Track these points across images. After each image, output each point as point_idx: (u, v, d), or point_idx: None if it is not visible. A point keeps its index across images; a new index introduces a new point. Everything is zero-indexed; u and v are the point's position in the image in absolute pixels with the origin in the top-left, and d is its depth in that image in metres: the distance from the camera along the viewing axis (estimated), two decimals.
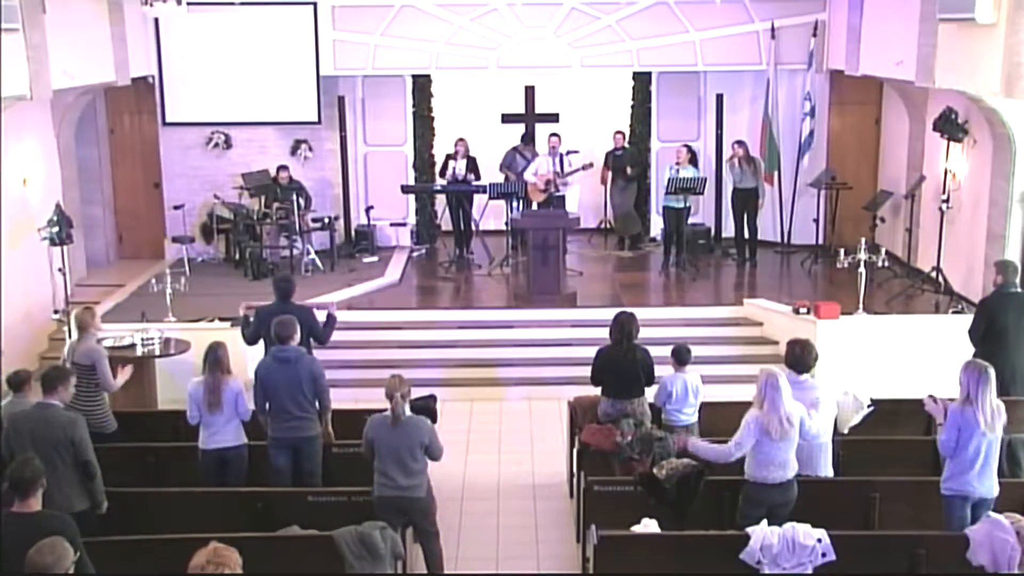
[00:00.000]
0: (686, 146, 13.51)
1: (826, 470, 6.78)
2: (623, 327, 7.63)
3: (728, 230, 14.70)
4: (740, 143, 13.57)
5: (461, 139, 13.78)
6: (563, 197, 13.85)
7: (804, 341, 6.92)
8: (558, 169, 13.66)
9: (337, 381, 9.54)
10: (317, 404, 7.23)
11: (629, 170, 14.21)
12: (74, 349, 7.74)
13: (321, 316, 8.67)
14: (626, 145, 14.41)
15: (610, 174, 14.33)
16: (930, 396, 7.39)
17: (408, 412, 6.50)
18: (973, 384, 6.20)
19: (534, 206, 13.55)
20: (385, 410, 6.53)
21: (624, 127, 14.74)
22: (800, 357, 6.75)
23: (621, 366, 7.60)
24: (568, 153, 13.74)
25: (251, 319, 8.53)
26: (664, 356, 7.85)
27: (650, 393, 7.74)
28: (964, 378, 6.28)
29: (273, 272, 12.72)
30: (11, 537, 4.80)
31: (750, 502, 6.40)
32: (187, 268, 12.62)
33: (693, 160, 13.51)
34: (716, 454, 6.63)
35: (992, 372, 6.23)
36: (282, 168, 13.35)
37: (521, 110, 15.22)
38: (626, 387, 7.62)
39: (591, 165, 13.92)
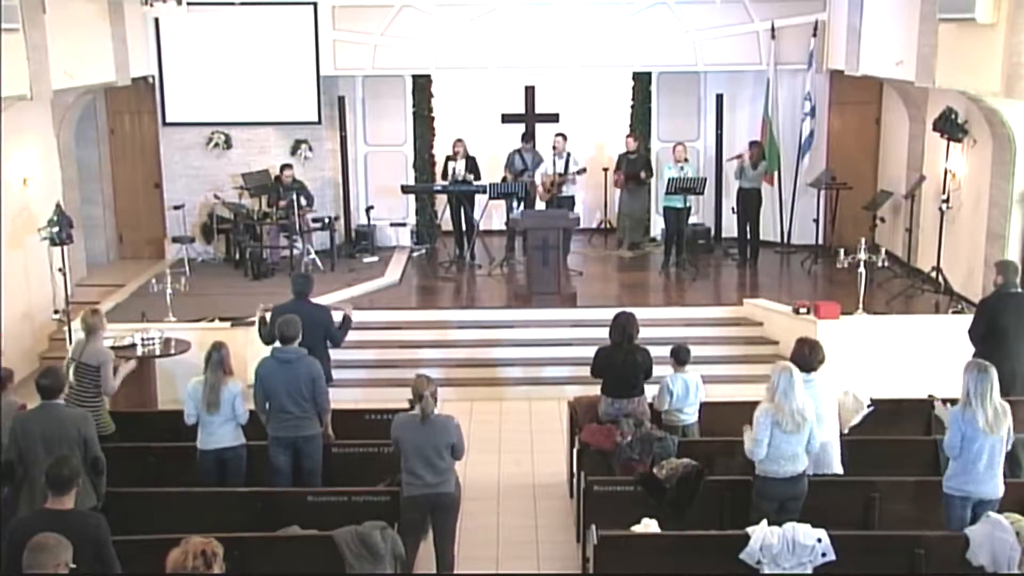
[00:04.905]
0: (682, 144, 13.50)
1: (838, 466, 6.79)
2: (623, 328, 7.63)
3: (728, 230, 14.71)
4: (756, 144, 13.53)
5: (459, 140, 13.80)
6: (571, 198, 13.88)
7: (813, 341, 6.89)
8: (560, 170, 13.71)
9: (337, 381, 9.51)
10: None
11: (643, 175, 14.11)
12: (82, 348, 7.73)
13: (337, 317, 8.64)
14: (640, 149, 14.22)
15: (623, 177, 14.18)
16: (931, 396, 7.40)
17: (436, 411, 6.46)
18: (972, 384, 6.21)
19: (542, 206, 13.62)
20: (411, 408, 6.51)
21: (623, 126, 14.73)
22: (808, 357, 6.72)
23: (621, 367, 7.60)
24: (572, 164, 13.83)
25: (267, 319, 8.49)
26: (664, 356, 7.85)
27: (649, 392, 7.74)
28: (964, 379, 6.28)
29: (273, 272, 12.75)
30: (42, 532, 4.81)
31: (761, 496, 6.41)
32: (187, 268, 12.61)
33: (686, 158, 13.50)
34: (747, 450, 6.48)
35: (993, 372, 6.22)
36: (285, 167, 13.35)
37: (521, 110, 15.22)
38: (626, 387, 7.63)
39: (585, 170, 14.01)
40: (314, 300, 8.70)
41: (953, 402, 6.65)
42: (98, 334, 7.78)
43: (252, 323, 10.39)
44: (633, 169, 14.07)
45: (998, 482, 6.29)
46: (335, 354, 9.87)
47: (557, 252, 11.76)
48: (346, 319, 8.64)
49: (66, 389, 6.55)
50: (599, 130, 15.05)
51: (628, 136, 14.26)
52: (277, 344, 7.32)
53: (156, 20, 13.13)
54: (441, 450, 6.41)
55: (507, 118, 15.11)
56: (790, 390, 6.28)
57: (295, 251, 12.89)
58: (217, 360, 7.10)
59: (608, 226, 14.96)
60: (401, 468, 6.48)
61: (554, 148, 13.86)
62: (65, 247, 10.26)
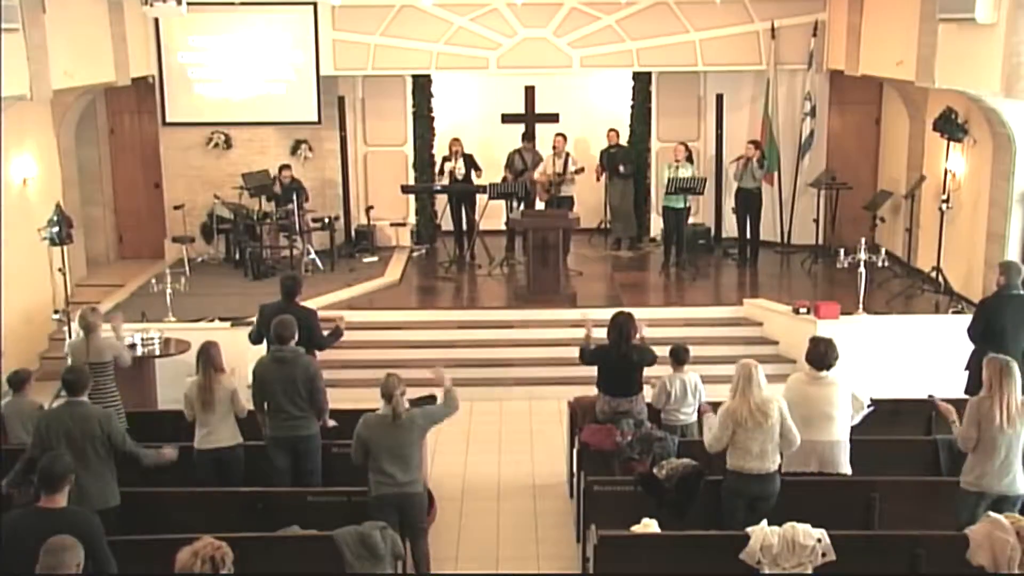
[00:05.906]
0: (683, 144, 13.51)
1: (846, 466, 6.76)
2: (621, 328, 7.62)
3: (728, 230, 14.71)
4: (755, 143, 13.54)
5: (455, 139, 13.82)
6: (571, 198, 13.91)
7: (828, 339, 6.91)
8: (559, 170, 13.72)
9: (337, 381, 9.57)
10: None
11: (622, 168, 14.19)
12: (86, 349, 7.68)
13: (329, 325, 8.60)
14: (621, 143, 14.41)
15: (605, 172, 14.32)
16: (930, 396, 7.40)
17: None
18: (995, 379, 6.16)
19: (542, 206, 13.63)
20: (377, 409, 6.50)
21: (623, 126, 14.75)
22: (823, 355, 6.73)
23: (619, 366, 7.60)
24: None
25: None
26: (663, 356, 7.85)
27: (647, 392, 7.75)
28: (986, 373, 6.25)
29: (274, 272, 12.74)
30: (36, 532, 4.81)
31: (729, 492, 6.45)
32: (187, 268, 12.62)
33: (690, 159, 13.50)
34: (706, 441, 6.60)
35: (1015, 368, 6.17)
36: (283, 168, 13.35)
37: (521, 110, 15.23)
38: (623, 386, 7.62)
39: (583, 170, 14.05)
40: (310, 305, 8.67)
41: (953, 402, 6.64)
42: (98, 332, 7.77)
43: (251, 323, 10.42)
44: (613, 162, 14.17)
45: (1016, 478, 6.22)
46: (336, 355, 9.87)
47: (557, 252, 11.77)
48: (337, 331, 8.55)
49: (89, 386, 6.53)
50: (599, 130, 15.04)
51: (609, 131, 14.34)
52: (274, 344, 7.30)
53: (156, 20, 13.13)
54: (414, 446, 6.44)
55: (507, 118, 15.12)
56: (748, 387, 6.32)
57: (295, 251, 12.89)
58: (206, 360, 7.07)
59: (607, 226, 14.97)
60: (368, 468, 6.46)
61: (554, 148, 13.93)
62: (65, 247, 10.25)
